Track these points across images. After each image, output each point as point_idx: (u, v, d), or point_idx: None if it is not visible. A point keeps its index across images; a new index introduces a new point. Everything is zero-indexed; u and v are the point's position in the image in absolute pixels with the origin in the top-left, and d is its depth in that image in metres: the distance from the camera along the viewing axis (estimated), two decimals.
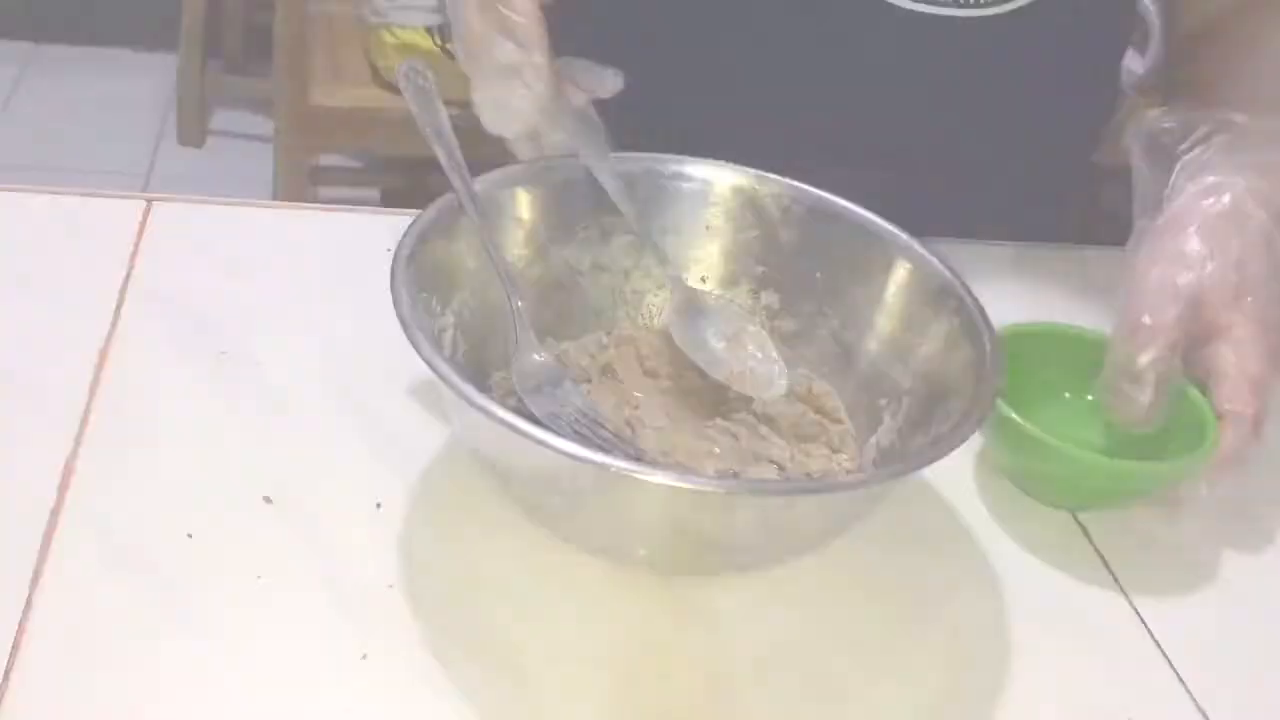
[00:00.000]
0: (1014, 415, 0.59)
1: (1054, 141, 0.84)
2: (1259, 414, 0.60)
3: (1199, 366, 0.61)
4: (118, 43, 2.78)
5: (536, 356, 0.57)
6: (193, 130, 2.54)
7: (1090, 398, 0.65)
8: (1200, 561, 0.63)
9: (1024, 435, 0.59)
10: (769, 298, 0.65)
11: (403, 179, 2.12)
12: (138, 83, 2.72)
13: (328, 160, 2.12)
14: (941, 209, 0.68)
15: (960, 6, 0.74)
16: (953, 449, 0.51)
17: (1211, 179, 0.63)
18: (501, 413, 0.47)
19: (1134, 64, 1.49)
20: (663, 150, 0.64)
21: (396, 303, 0.51)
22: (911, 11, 0.74)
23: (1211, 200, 0.62)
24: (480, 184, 0.60)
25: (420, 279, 0.54)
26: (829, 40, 0.76)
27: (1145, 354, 0.59)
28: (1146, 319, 0.59)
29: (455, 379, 0.48)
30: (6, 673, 0.48)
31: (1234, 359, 0.60)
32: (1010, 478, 0.65)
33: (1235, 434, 0.59)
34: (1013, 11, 0.74)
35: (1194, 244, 0.61)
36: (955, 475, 0.64)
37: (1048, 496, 0.64)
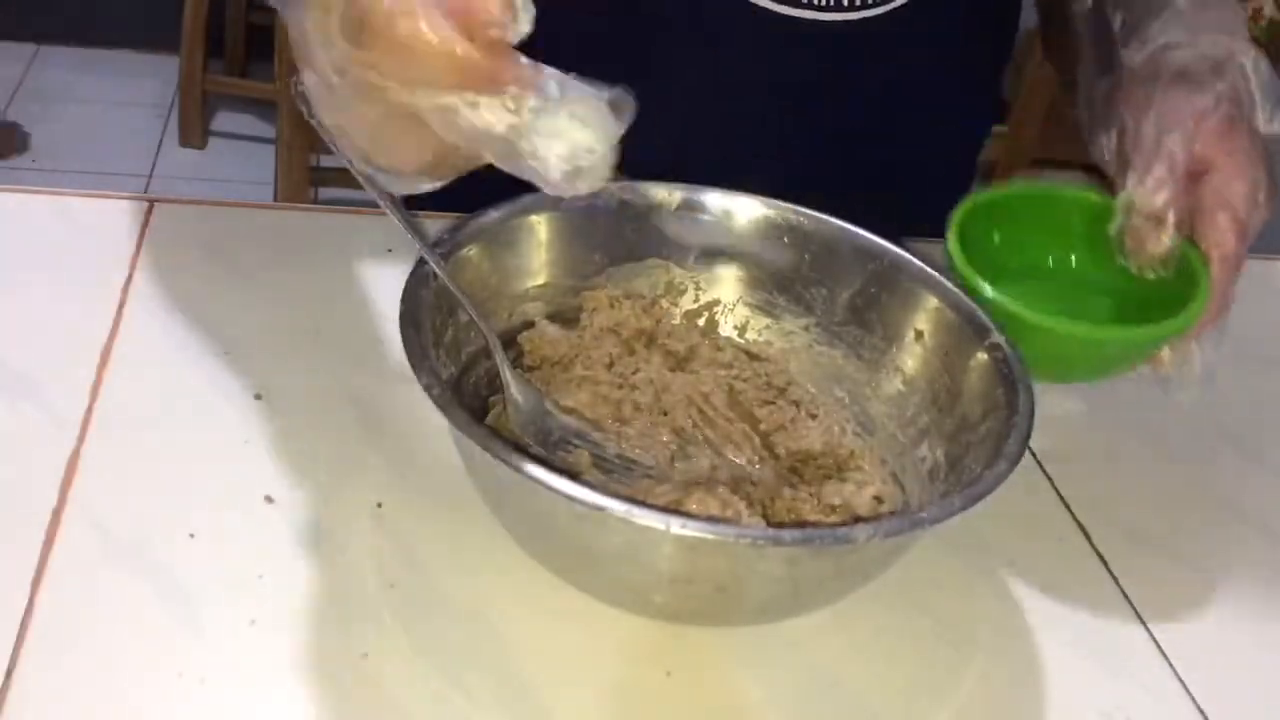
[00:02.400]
0: (995, 294, 0.58)
1: (935, 147, 0.84)
2: (1240, 254, 0.60)
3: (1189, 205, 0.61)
4: (119, 44, 2.79)
5: (519, 398, 0.56)
6: (194, 131, 2.55)
7: (1073, 259, 0.64)
8: (1201, 561, 0.63)
9: (1008, 316, 0.58)
10: (792, 323, 0.65)
11: None
12: (139, 84, 2.73)
13: (328, 160, 2.12)
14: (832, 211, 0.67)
15: (823, 10, 0.74)
16: (988, 494, 0.50)
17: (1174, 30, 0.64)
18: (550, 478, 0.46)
19: None
20: None
21: (415, 368, 0.50)
22: (776, 14, 0.74)
23: (1185, 48, 0.63)
24: (495, 213, 0.59)
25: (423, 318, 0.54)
26: (698, 46, 0.77)
27: (1163, 194, 0.59)
28: (1161, 163, 0.59)
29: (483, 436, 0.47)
30: (9, 672, 0.48)
31: (1222, 194, 0.59)
32: None
33: (1222, 274, 0.59)
34: (876, 16, 0.75)
35: (1183, 87, 0.61)
36: None
37: (1036, 372, 0.60)
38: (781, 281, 0.64)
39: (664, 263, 0.64)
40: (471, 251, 0.59)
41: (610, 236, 0.63)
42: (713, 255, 0.64)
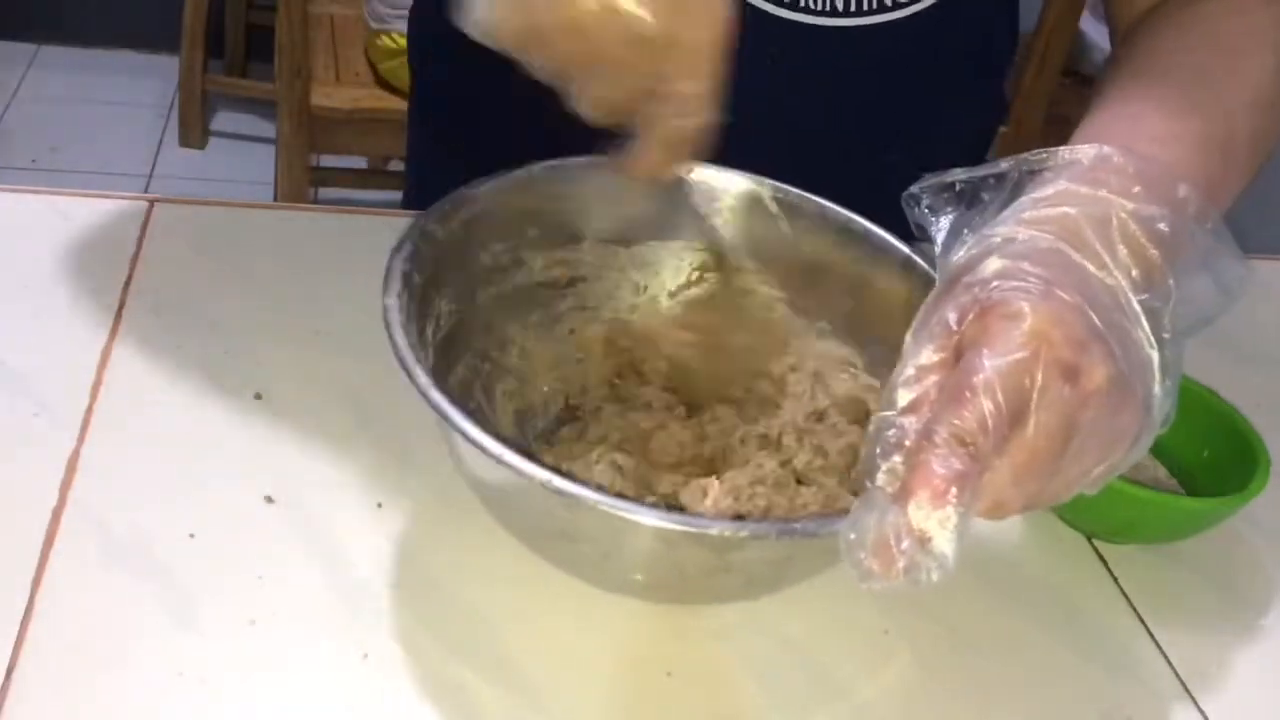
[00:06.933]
0: None
1: (939, 153, 0.84)
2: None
3: None
4: (119, 44, 2.79)
5: None
6: (194, 132, 2.55)
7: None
8: (1200, 561, 0.63)
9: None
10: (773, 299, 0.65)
11: (404, 181, 2.12)
12: (139, 84, 2.73)
13: (328, 161, 2.12)
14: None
15: (821, 14, 0.74)
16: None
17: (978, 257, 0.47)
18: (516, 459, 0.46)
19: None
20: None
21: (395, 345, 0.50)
22: (775, 18, 0.74)
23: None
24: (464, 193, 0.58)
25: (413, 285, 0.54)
26: None
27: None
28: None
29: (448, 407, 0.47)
30: (8, 671, 0.48)
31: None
32: None
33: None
34: (886, 23, 0.75)
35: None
36: None
37: (1069, 518, 0.64)
38: (756, 253, 0.64)
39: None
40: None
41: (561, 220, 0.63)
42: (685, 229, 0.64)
